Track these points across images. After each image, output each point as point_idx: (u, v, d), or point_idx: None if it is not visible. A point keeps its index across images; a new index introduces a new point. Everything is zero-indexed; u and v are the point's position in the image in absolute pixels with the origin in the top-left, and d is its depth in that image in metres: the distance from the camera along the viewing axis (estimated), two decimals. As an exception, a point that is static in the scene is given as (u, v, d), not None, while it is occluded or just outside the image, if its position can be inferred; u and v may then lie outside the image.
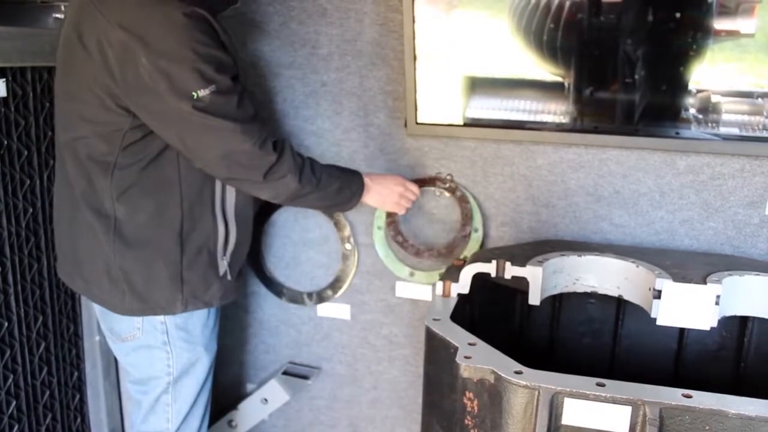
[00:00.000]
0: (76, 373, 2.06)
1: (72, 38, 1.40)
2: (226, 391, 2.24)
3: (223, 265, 1.61)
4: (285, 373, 2.14)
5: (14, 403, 1.79)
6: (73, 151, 1.49)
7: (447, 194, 1.88)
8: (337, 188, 1.61)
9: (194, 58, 1.33)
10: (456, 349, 1.25)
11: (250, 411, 2.18)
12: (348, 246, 2.00)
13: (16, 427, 1.80)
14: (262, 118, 1.52)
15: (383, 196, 1.75)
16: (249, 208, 1.66)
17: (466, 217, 1.87)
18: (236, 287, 1.69)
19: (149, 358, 1.62)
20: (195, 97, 1.34)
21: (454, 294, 1.52)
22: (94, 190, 1.49)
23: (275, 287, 2.12)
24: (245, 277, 1.99)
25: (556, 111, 1.72)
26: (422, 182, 1.88)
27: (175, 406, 1.66)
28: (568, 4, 1.59)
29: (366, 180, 1.70)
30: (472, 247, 1.88)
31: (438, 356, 1.33)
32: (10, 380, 1.78)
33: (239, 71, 1.47)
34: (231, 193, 1.58)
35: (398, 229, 1.94)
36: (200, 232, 1.55)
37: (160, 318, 1.57)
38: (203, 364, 1.66)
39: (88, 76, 1.39)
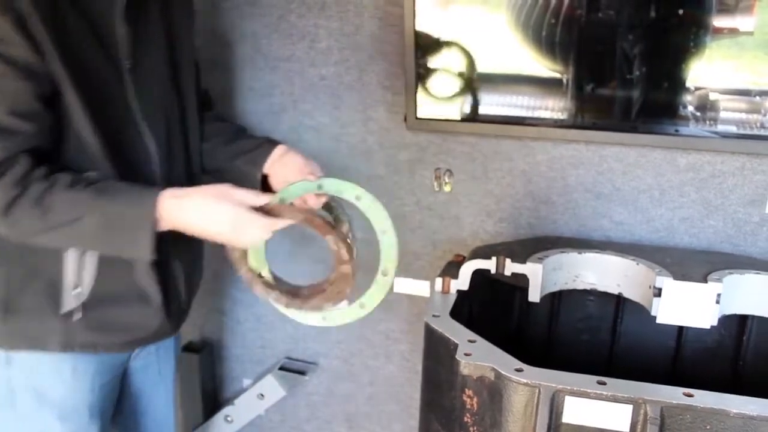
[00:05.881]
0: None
1: None
2: (222, 387, 2.24)
3: (68, 303, 1.25)
4: (281, 368, 2.13)
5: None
6: None
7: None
8: (96, 225, 1.15)
9: None
10: (456, 346, 1.24)
11: (247, 406, 2.17)
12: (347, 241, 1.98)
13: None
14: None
15: (208, 227, 1.24)
16: None
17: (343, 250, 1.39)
18: (98, 335, 1.29)
19: None
20: None
21: (453, 290, 1.52)
22: None
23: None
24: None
25: (555, 107, 1.71)
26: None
27: None
28: (567, -1, 1.58)
29: (165, 207, 1.17)
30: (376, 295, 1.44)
31: (437, 353, 1.32)
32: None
33: (38, 65, 1.12)
34: None
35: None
36: (40, 252, 1.22)
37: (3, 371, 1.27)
38: None
39: None
